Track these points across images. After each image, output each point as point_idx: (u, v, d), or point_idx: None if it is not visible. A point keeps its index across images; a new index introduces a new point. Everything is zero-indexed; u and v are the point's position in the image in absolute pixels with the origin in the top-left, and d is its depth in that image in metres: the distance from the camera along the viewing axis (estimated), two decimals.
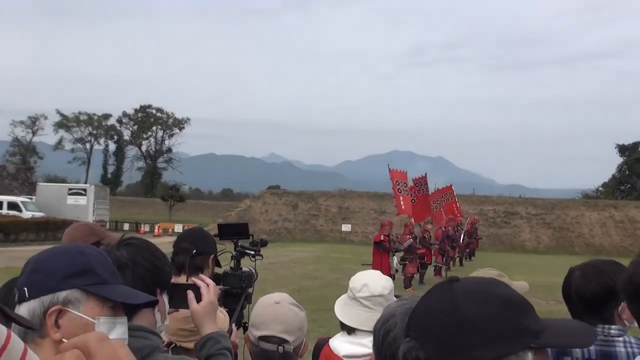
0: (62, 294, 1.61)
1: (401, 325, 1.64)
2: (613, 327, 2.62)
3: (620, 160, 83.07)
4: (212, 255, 3.47)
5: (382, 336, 1.70)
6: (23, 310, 1.61)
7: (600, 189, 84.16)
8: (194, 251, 3.33)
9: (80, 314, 1.61)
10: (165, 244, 3.62)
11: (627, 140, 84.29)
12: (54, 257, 1.69)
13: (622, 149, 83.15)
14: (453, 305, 1.15)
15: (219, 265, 3.64)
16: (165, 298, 2.20)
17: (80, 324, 1.61)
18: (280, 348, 2.45)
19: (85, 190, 49.52)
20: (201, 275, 2.55)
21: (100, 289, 1.66)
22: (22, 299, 1.63)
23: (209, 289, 2.41)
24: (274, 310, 2.55)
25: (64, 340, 1.58)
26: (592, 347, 2.60)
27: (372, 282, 2.93)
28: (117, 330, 1.69)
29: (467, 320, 1.13)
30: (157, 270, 2.13)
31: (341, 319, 2.94)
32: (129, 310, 2.02)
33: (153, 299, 1.85)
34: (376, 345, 1.71)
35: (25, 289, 1.62)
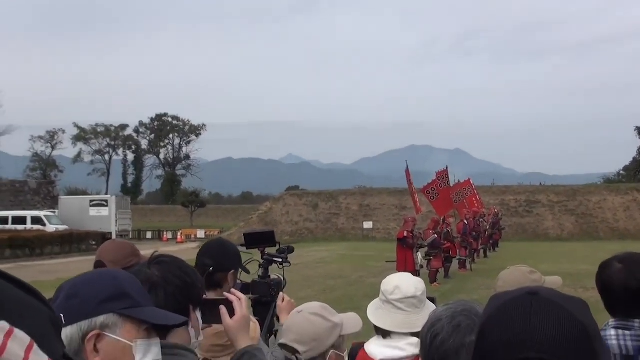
0: (100, 319, 1.62)
1: (448, 329, 1.67)
2: None
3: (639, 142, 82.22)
4: (232, 271, 3.43)
5: (430, 340, 1.71)
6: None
7: (621, 172, 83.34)
8: (211, 268, 3.30)
9: (118, 338, 1.62)
10: (189, 251, 3.64)
11: None
12: (88, 282, 1.70)
13: None
14: (574, 318, 1.15)
15: (247, 272, 3.62)
16: (198, 314, 2.19)
17: (118, 348, 1.62)
18: (294, 358, 2.46)
19: (106, 201, 49.89)
20: (233, 290, 2.54)
21: (135, 312, 1.67)
22: None
23: (242, 303, 2.39)
24: (292, 319, 2.59)
25: None
26: (629, 343, 2.61)
27: (404, 283, 2.91)
28: (153, 352, 1.70)
29: (591, 331, 1.16)
30: (188, 287, 2.12)
31: (375, 323, 2.92)
32: (164, 329, 2.02)
33: (184, 319, 1.85)
34: (424, 349, 1.72)
35: (62, 315, 1.60)
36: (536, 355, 1.11)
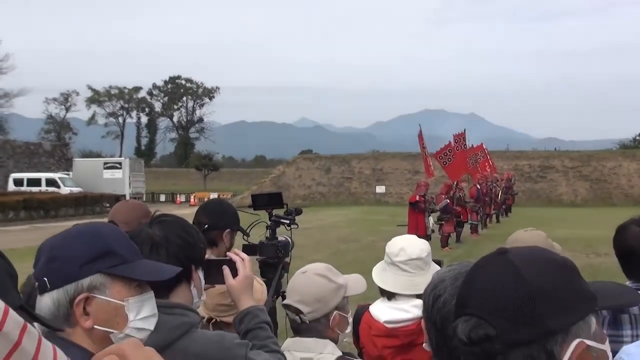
0: (86, 281, 1.57)
1: (451, 290, 1.64)
2: None
3: None
4: (228, 230, 3.43)
5: (432, 301, 1.69)
6: (46, 301, 1.57)
7: (637, 138, 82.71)
8: (206, 226, 3.30)
9: (108, 299, 1.58)
10: None
11: None
12: (69, 242, 1.62)
13: None
14: (516, 275, 1.11)
15: (246, 235, 3.62)
16: (200, 274, 2.18)
17: (109, 308, 1.59)
18: (297, 318, 2.45)
19: (120, 163, 50.07)
20: (235, 250, 2.53)
21: (124, 269, 1.61)
22: (43, 290, 1.57)
23: (245, 263, 2.38)
24: (297, 279, 2.57)
25: (95, 327, 1.57)
26: None
27: (409, 245, 2.91)
28: (147, 308, 1.67)
29: (536, 291, 1.09)
30: (190, 246, 2.11)
31: (380, 285, 2.92)
32: (165, 287, 2.02)
33: (177, 270, 1.80)
34: (426, 310, 1.71)
35: (46, 279, 1.57)
36: (471, 311, 1.12)
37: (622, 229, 2.83)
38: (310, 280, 2.49)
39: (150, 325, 1.68)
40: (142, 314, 1.64)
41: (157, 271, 1.72)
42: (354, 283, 2.62)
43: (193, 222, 3.47)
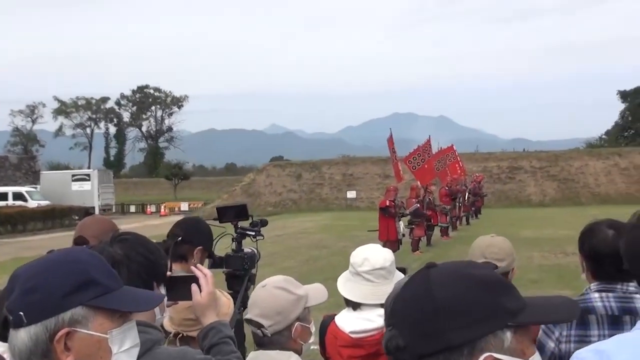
0: (67, 314, 1.44)
1: None
2: (631, 284, 2.68)
3: (622, 106, 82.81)
4: (199, 247, 3.45)
5: None
6: (22, 337, 1.44)
7: (603, 137, 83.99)
8: (180, 238, 3.32)
9: (91, 332, 1.47)
10: (172, 224, 3.66)
11: (629, 86, 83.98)
12: (48, 271, 1.48)
13: (624, 95, 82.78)
14: (427, 291, 1.17)
15: (211, 258, 3.63)
16: (162, 291, 2.18)
17: (92, 342, 1.48)
18: (259, 331, 2.46)
19: (88, 175, 49.57)
20: (198, 265, 2.54)
21: (106, 300, 1.50)
22: (18, 325, 1.44)
23: (208, 279, 2.39)
24: (257, 294, 2.57)
25: None
26: (614, 304, 2.70)
27: (373, 255, 2.92)
28: (130, 338, 1.58)
29: (441, 304, 1.14)
30: (152, 264, 2.11)
31: (345, 295, 2.93)
32: None
33: (163, 297, 1.78)
34: (386, 318, 1.73)
35: (22, 313, 1.43)
36: (391, 322, 1.21)
37: (589, 230, 2.85)
38: (270, 294, 2.50)
39: (133, 356, 1.60)
40: (125, 345, 1.55)
41: (143, 300, 1.64)
42: (315, 293, 2.64)
43: (168, 235, 3.49)
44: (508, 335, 1.16)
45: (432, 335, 1.13)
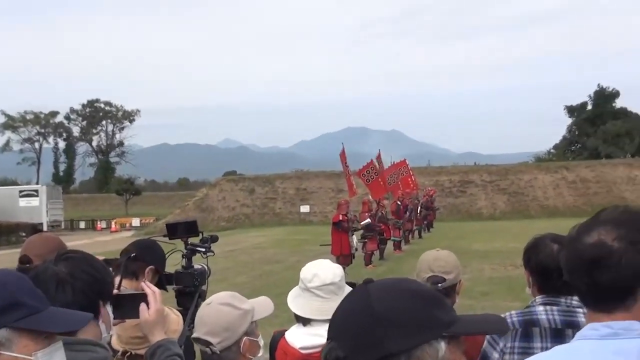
0: None
1: None
2: (575, 298, 2.70)
3: (569, 121, 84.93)
4: (152, 266, 3.44)
5: None
6: None
7: (552, 150, 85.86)
8: (133, 255, 3.30)
9: (15, 354, 1.47)
10: (123, 240, 3.63)
11: (575, 101, 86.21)
12: None
13: (571, 110, 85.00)
14: (366, 303, 1.23)
15: (161, 283, 3.60)
16: (109, 309, 2.16)
17: None
18: (208, 349, 2.46)
19: (37, 191, 48.64)
20: (147, 283, 2.52)
21: (31, 322, 1.50)
22: None
23: (156, 297, 2.38)
24: (202, 312, 2.58)
25: None
26: (557, 317, 2.74)
27: (323, 271, 2.93)
28: (56, 359, 1.59)
29: (379, 315, 1.20)
30: (97, 282, 2.09)
31: (295, 311, 2.93)
32: None
33: (89, 317, 1.76)
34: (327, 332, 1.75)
35: None
36: (331, 335, 1.26)
37: (534, 246, 2.89)
38: (215, 311, 2.50)
39: None
40: None
41: (68, 320, 1.63)
42: (261, 306, 2.65)
43: (121, 252, 3.45)
44: (442, 345, 1.21)
45: (371, 344, 1.18)
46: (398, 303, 1.22)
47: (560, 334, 2.73)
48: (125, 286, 3.04)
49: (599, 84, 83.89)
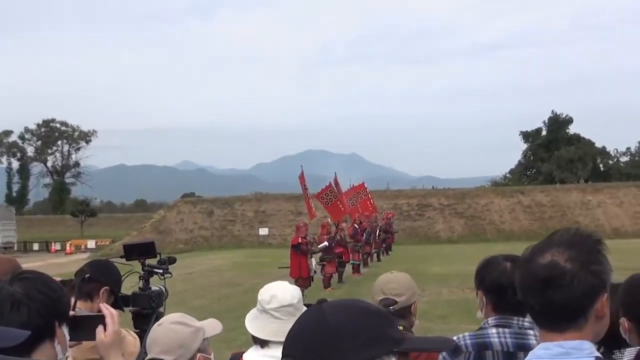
0: None
1: None
2: (527, 319, 2.74)
3: (524, 146, 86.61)
4: (107, 287, 3.41)
5: None
6: None
7: (508, 175, 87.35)
8: (87, 276, 3.28)
9: None
10: (78, 262, 3.58)
11: (530, 127, 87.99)
12: None
13: (526, 136, 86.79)
14: (321, 319, 1.27)
15: (118, 305, 3.57)
16: (65, 330, 2.13)
17: None
18: None
19: None
20: (104, 304, 2.50)
21: None
22: None
23: (113, 318, 2.36)
24: (155, 332, 2.60)
25: None
26: (509, 340, 2.75)
27: (280, 292, 2.94)
28: None
29: (334, 330, 1.25)
30: (53, 302, 2.06)
31: (252, 333, 2.93)
32: (27, 345, 1.96)
33: (25, 335, 1.72)
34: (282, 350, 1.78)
35: None
36: (286, 352, 1.30)
37: (487, 265, 2.90)
38: (168, 329, 2.52)
39: None
40: None
41: (5, 337, 1.63)
42: (210, 326, 2.70)
43: (76, 273, 3.40)
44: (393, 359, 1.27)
45: (326, 358, 1.22)
46: (351, 319, 1.27)
47: (512, 357, 2.75)
48: (79, 307, 3.00)
49: (553, 111, 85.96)
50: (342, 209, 22.95)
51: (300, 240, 17.44)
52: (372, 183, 47.20)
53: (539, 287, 1.74)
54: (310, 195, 22.05)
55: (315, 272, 17.99)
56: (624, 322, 2.54)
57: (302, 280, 16.58)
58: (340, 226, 21.80)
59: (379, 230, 30.04)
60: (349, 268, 22.66)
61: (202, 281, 22.67)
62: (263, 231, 47.57)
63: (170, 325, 2.54)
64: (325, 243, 19.44)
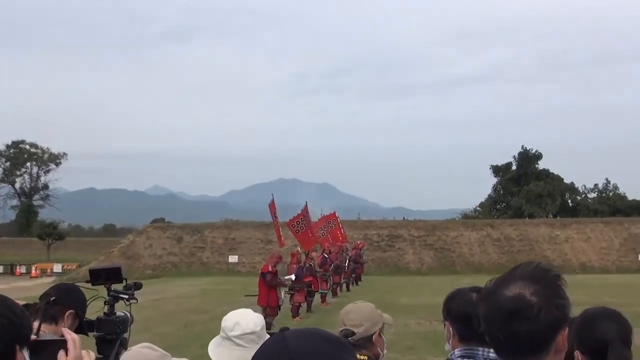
0: None
1: None
2: (492, 350, 2.75)
3: (495, 180, 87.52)
4: (72, 311, 3.40)
5: None
6: None
7: (478, 208, 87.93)
8: (52, 299, 3.27)
9: None
10: (44, 286, 3.56)
11: (501, 161, 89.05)
12: None
13: (496, 170, 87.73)
14: (283, 345, 1.34)
15: (82, 329, 3.56)
16: (26, 354, 2.13)
17: None
18: None
19: None
20: (66, 329, 2.50)
21: None
22: None
23: (75, 343, 2.35)
24: (124, 357, 2.65)
25: None
26: None
27: (244, 319, 2.96)
28: None
29: (295, 355, 1.32)
30: (14, 326, 2.06)
31: None
32: None
33: None
34: None
35: None
36: None
37: (454, 296, 2.96)
38: (137, 353, 2.55)
39: None
40: None
41: None
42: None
43: (41, 296, 3.39)
44: None
45: None
46: (312, 345, 1.34)
47: None
48: (44, 331, 2.99)
49: (522, 146, 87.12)
50: (312, 237, 22.96)
51: (270, 269, 17.28)
52: (344, 213, 47.33)
53: (505, 318, 1.78)
54: (280, 224, 22.04)
55: (283, 301, 17.90)
56: (577, 355, 2.59)
57: (270, 309, 16.47)
58: (310, 255, 21.76)
59: (349, 260, 30.03)
60: (318, 297, 22.60)
61: (169, 307, 22.45)
62: (233, 259, 47.29)
63: (139, 349, 2.59)
64: (292, 276, 19.28)
